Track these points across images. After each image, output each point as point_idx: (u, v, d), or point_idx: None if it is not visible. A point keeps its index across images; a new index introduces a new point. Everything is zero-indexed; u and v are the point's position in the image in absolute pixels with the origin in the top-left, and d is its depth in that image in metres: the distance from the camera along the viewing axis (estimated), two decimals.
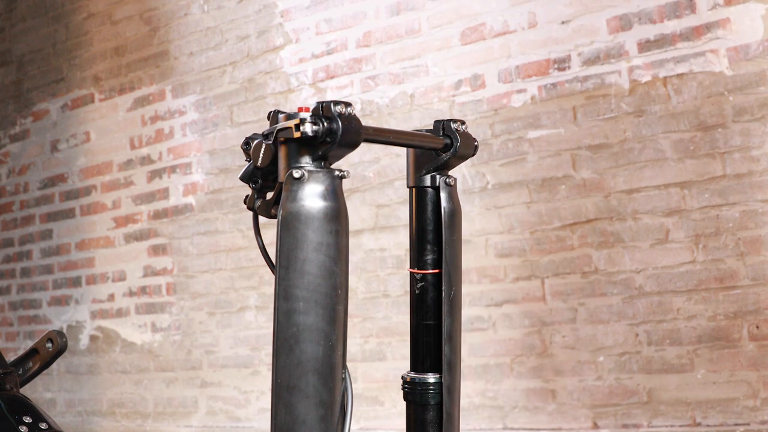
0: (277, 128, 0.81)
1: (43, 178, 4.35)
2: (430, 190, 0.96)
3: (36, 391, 4.19)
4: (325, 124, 0.80)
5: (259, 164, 0.82)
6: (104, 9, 4.13)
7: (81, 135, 4.19)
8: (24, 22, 4.52)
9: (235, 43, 3.61)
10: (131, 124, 3.98)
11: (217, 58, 3.67)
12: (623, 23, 2.68)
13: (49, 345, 1.26)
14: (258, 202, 0.86)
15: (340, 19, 3.30)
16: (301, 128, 0.79)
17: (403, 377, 0.96)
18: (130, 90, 3.99)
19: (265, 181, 0.84)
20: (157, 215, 3.86)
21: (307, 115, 0.80)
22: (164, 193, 3.83)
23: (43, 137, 4.37)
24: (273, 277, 0.81)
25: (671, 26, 2.60)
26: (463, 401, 2.92)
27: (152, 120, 3.89)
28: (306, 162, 0.81)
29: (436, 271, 0.96)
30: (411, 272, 0.98)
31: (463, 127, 0.98)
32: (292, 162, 0.81)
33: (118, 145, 4.03)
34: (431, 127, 0.99)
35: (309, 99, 3.38)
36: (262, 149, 0.82)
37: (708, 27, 2.54)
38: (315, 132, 0.79)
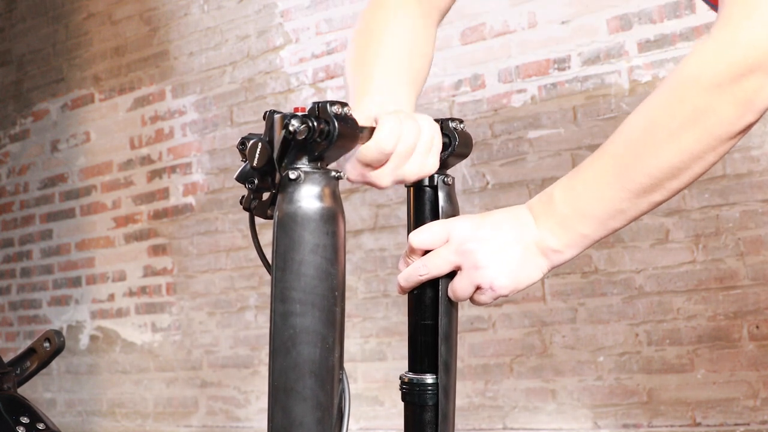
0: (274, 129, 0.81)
1: (43, 178, 4.35)
2: (428, 189, 0.95)
3: (36, 392, 4.19)
4: (321, 124, 0.79)
5: (254, 165, 0.81)
6: (104, 9, 4.12)
7: (81, 135, 4.19)
8: (24, 22, 4.52)
9: (235, 43, 3.61)
10: (131, 124, 3.98)
11: (217, 58, 3.67)
12: (623, 23, 2.68)
13: (47, 344, 1.25)
14: (254, 203, 0.85)
15: (340, 19, 3.29)
16: (297, 129, 0.78)
17: (401, 378, 0.95)
18: (130, 90, 3.99)
19: (261, 182, 0.83)
20: (157, 215, 3.85)
21: (302, 116, 0.79)
22: (164, 193, 3.83)
23: (43, 137, 4.37)
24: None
25: (671, 26, 2.60)
26: (463, 401, 2.92)
27: (152, 120, 3.89)
28: (302, 163, 0.81)
29: None
30: None
31: (461, 125, 0.97)
32: (288, 163, 0.81)
33: (118, 145, 4.03)
34: None
35: (309, 99, 3.37)
36: (258, 149, 0.81)
37: (708, 27, 2.54)
38: (310, 133, 0.79)
